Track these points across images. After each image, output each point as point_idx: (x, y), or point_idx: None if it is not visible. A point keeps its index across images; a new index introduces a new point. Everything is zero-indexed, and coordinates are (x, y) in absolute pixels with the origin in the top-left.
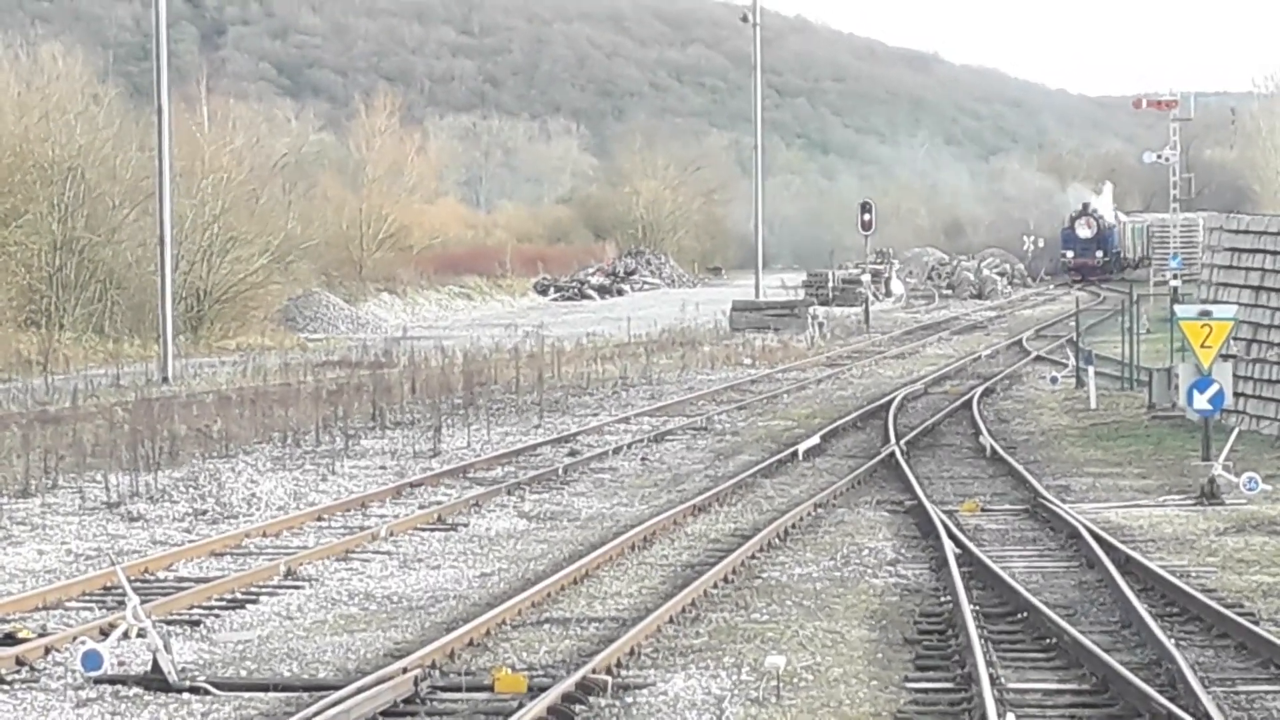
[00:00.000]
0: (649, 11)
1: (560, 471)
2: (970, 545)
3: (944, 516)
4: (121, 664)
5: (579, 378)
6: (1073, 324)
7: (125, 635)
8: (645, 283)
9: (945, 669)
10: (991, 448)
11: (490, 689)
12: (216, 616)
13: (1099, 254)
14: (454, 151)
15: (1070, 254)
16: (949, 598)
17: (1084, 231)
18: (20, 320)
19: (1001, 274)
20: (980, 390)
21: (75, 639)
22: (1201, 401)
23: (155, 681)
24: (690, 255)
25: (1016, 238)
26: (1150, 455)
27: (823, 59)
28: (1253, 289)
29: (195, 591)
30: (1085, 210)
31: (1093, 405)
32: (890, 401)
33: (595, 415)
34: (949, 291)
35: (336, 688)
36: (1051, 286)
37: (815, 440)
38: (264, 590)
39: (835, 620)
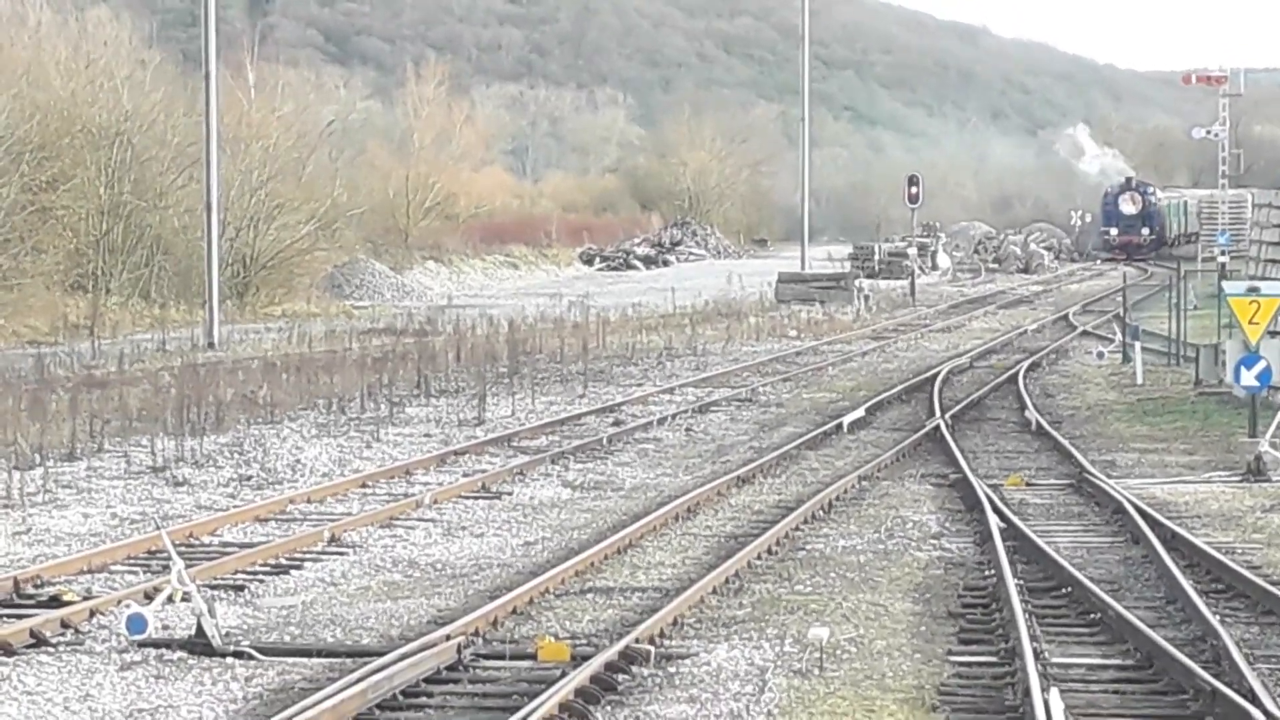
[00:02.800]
0: None
1: (604, 441)
2: (1015, 519)
3: (989, 490)
4: (166, 628)
5: (624, 348)
6: (1119, 299)
7: (170, 599)
8: (691, 254)
9: (989, 643)
10: (1037, 422)
11: (533, 657)
12: (260, 582)
13: (1145, 231)
14: (501, 121)
15: (1114, 231)
16: (993, 572)
17: (1128, 207)
18: (67, 284)
19: (1048, 248)
20: (1026, 365)
21: (120, 602)
22: (1248, 378)
23: (199, 645)
24: (736, 226)
25: (1064, 212)
26: (1196, 431)
27: (871, 31)
28: None
29: (239, 556)
30: (1129, 184)
31: (1139, 381)
32: (935, 375)
33: (640, 385)
34: (995, 266)
35: (380, 654)
36: (1098, 262)
37: (860, 413)
38: (308, 556)
39: (879, 593)
